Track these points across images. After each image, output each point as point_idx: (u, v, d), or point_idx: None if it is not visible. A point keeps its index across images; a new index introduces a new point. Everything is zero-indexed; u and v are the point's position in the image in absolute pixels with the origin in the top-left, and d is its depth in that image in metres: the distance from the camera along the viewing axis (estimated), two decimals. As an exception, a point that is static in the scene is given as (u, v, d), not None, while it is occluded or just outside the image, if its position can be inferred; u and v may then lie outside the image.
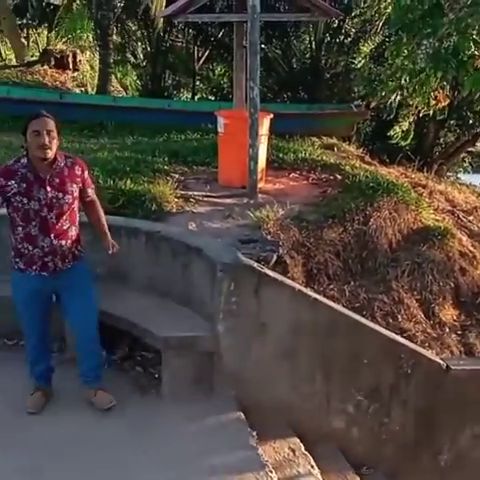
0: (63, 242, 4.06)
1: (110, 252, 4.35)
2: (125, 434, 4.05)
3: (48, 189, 3.95)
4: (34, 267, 4.05)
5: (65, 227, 4.06)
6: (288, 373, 4.44)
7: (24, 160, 3.97)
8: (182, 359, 4.39)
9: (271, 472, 3.73)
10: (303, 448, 4.30)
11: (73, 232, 4.13)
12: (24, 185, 3.92)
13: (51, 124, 3.90)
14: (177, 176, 7.78)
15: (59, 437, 3.98)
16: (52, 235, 4.01)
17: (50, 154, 3.92)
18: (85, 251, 4.29)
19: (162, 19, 13.03)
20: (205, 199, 7.25)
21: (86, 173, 4.19)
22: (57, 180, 3.98)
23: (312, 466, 4.15)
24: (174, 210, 6.80)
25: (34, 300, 4.11)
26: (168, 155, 8.47)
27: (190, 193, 7.32)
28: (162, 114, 11.56)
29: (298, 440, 4.36)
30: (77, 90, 15.53)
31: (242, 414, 4.24)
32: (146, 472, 3.71)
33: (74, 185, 4.07)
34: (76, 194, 4.09)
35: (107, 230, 4.38)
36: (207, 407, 4.32)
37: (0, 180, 3.92)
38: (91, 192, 4.27)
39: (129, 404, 4.35)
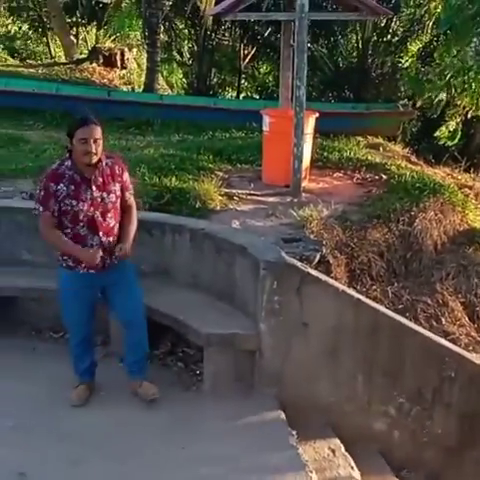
0: (111, 239, 4.12)
1: (116, 252, 4.09)
2: (165, 428, 4.09)
3: (94, 189, 4.03)
4: (83, 264, 4.11)
5: (111, 225, 4.13)
6: (329, 373, 4.42)
7: (68, 162, 4.05)
8: (224, 356, 4.41)
9: (311, 472, 3.71)
10: (343, 449, 4.27)
11: (117, 229, 4.19)
12: (72, 187, 4.01)
13: (98, 132, 3.97)
14: (221, 174, 7.81)
15: (101, 429, 4.05)
16: (101, 233, 4.07)
17: (95, 160, 4.00)
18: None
19: (211, 17, 13.07)
20: (249, 197, 7.25)
21: (126, 175, 4.22)
22: (100, 180, 4.06)
23: (352, 467, 4.12)
24: (218, 208, 6.82)
25: (82, 298, 4.17)
26: (213, 153, 8.50)
27: (234, 191, 7.33)
28: (207, 112, 11.62)
29: (338, 441, 4.33)
30: (124, 88, 15.72)
31: (282, 413, 4.24)
32: (184, 467, 3.74)
33: (116, 184, 4.13)
34: (119, 193, 4.15)
35: (129, 240, 4.14)
36: (247, 405, 4.33)
37: (51, 186, 4.01)
38: (128, 196, 4.25)
39: (170, 399, 4.39)
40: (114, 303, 4.31)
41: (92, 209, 4.03)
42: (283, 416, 4.22)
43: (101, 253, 4.04)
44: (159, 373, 4.69)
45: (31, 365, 4.70)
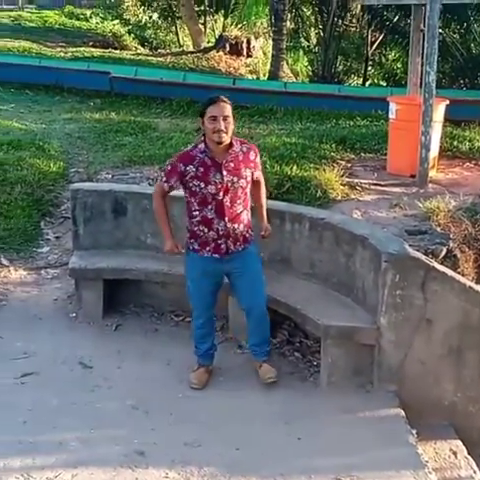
0: (236, 225, 4.16)
1: (261, 233, 4.43)
2: (281, 418, 4.07)
3: (224, 173, 4.06)
4: (207, 248, 4.18)
5: (238, 211, 4.15)
6: (453, 373, 4.24)
7: (201, 145, 4.11)
8: (342, 349, 4.33)
9: (430, 473, 3.59)
10: (466, 452, 4.10)
11: (245, 216, 4.22)
12: (201, 169, 4.06)
13: (228, 109, 4.01)
14: (344, 163, 7.68)
15: (218, 413, 4.10)
16: (226, 218, 4.11)
17: (225, 138, 4.02)
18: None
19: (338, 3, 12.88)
20: (372, 187, 7.08)
21: (258, 158, 4.29)
22: (232, 165, 4.09)
23: (474, 471, 3.96)
24: (339, 197, 6.71)
25: (205, 280, 4.25)
26: (335, 141, 8.38)
27: (356, 181, 7.19)
28: (332, 100, 11.47)
29: (461, 443, 4.16)
30: (249, 76, 15.83)
31: (402, 411, 4.12)
32: (297, 456, 3.72)
33: (248, 170, 4.15)
34: (249, 179, 4.18)
35: (265, 213, 4.46)
36: (365, 400, 4.24)
37: (180, 165, 4.11)
38: (258, 174, 4.33)
39: (287, 388, 4.38)
40: (236, 290, 4.38)
41: (221, 193, 4.07)
42: (403, 414, 4.09)
43: (179, 249, 4.25)
44: (276, 362, 4.67)
45: (152, 346, 4.82)
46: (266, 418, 4.07)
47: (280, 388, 4.35)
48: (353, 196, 6.79)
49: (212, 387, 4.37)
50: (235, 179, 4.08)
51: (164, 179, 4.20)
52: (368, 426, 4.01)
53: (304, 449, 3.79)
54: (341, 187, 6.87)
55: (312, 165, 7.27)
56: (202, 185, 4.06)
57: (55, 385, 4.30)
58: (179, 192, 4.27)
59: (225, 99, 4.03)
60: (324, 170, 7.10)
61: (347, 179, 7.13)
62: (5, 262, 5.77)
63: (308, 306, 4.55)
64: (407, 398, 4.21)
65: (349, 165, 7.69)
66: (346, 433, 3.93)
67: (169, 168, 4.19)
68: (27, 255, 5.97)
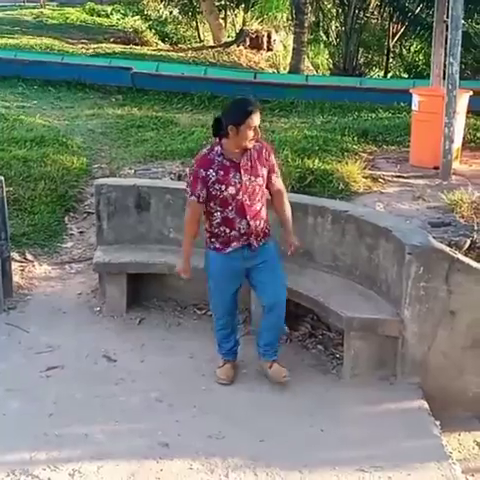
0: (257, 222, 4.15)
1: (289, 253, 4.36)
2: (303, 410, 4.08)
3: (242, 173, 4.06)
4: (229, 246, 4.17)
5: (258, 208, 4.15)
6: (477, 365, 4.21)
7: (218, 148, 4.08)
8: (365, 342, 4.32)
9: (454, 464, 3.58)
10: (490, 444, 4.09)
11: (264, 212, 4.22)
12: (221, 172, 4.05)
13: None
14: (366, 155, 7.67)
15: (241, 405, 4.12)
16: (248, 217, 4.10)
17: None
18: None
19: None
20: (394, 179, 7.06)
21: (272, 157, 4.24)
22: (249, 164, 4.09)
23: (499, 463, 3.94)
24: (361, 190, 6.70)
25: (227, 277, 4.24)
26: (357, 134, 8.37)
27: (379, 173, 7.17)
28: (354, 92, 11.43)
29: (485, 435, 4.15)
30: (269, 70, 15.81)
31: (425, 403, 4.11)
32: (321, 448, 3.73)
33: (263, 168, 4.14)
34: (265, 176, 4.17)
35: (290, 227, 4.34)
36: (388, 392, 4.24)
37: (201, 171, 4.07)
38: (275, 179, 4.26)
39: (309, 381, 4.38)
40: (258, 287, 4.35)
41: (241, 193, 4.06)
42: (426, 406, 4.09)
43: (186, 276, 4.32)
44: (298, 355, 4.70)
45: (176, 340, 4.85)
46: (289, 410, 4.08)
47: (303, 380, 4.35)
48: (375, 188, 6.78)
49: (235, 380, 4.38)
50: (252, 178, 4.07)
51: (190, 193, 4.12)
52: (392, 418, 4.01)
53: (327, 441, 3.80)
54: (363, 180, 6.85)
55: (334, 158, 7.26)
56: (223, 188, 4.04)
57: (80, 378, 4.35)
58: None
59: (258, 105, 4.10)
60: (346, 163, 7.09)
61: (369, 171, 7.12)
62: (30, 257, 5.85)
63: (331, 299, 4.54)
64: (431, 390, 4.20)
65: (371, 157, 7.67)
66: (369, 425, 3.93)
67: (191, 179, 4.13)
68: (51, 250, 6.04)
